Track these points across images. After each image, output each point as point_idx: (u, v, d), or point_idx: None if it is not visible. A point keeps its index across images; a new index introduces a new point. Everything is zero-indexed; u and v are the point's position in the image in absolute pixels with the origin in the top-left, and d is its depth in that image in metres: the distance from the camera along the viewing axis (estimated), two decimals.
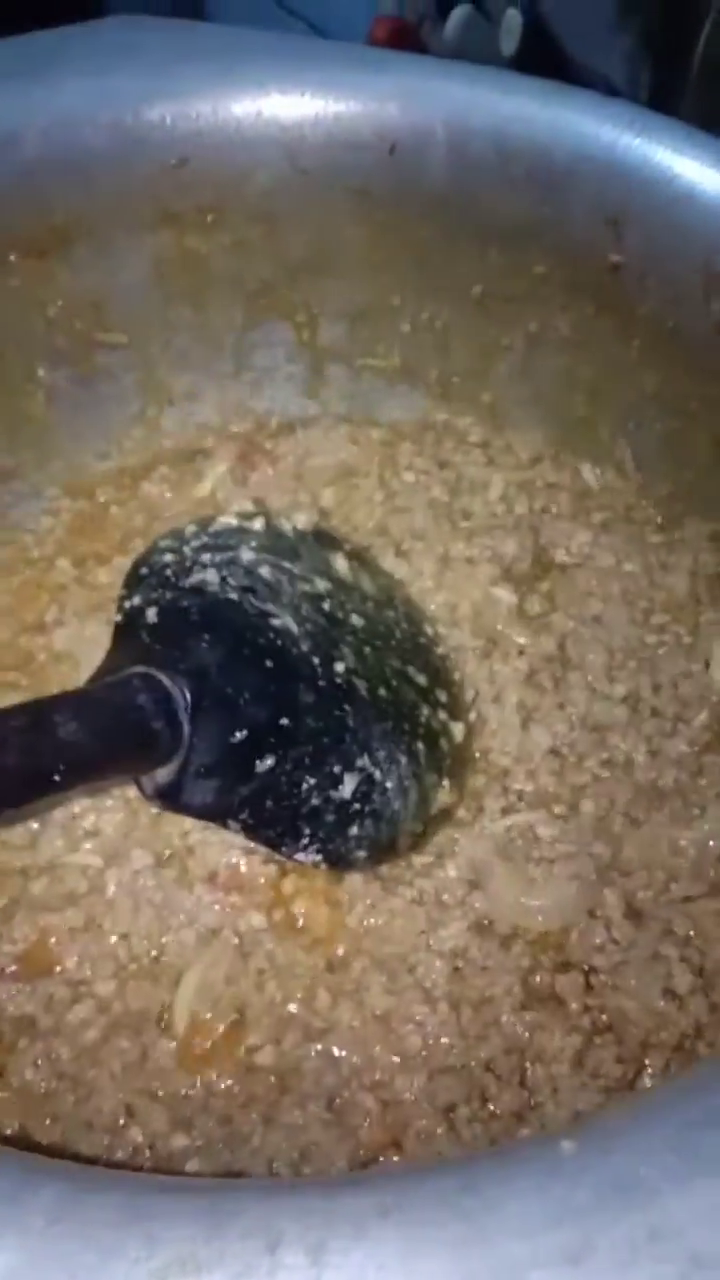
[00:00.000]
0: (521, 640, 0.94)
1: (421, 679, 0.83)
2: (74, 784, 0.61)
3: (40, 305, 0.98)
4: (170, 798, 0.70)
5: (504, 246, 0.96)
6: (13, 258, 0.94)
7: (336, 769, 0.74)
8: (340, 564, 0.85)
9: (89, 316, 1.00)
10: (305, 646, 0.76)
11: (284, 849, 0.74)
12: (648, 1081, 0.75)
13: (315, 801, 0.73)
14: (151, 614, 0.74)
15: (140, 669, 0.68)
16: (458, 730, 0.83)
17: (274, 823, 0.73)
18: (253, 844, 0.78)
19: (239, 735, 0.70)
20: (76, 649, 0.92)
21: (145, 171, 0.94)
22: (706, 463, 0.95)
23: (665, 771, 0.88)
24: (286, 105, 0.94)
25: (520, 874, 0.82)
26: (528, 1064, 0.74)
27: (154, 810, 0.82)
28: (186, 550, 0.78)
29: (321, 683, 0.75)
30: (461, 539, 0.98)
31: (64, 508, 1.05)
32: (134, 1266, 0.39)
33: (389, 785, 0.76)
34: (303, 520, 0.87)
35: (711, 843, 0.84)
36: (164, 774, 0.69)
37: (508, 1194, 0.40)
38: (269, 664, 0.73)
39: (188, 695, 0.68)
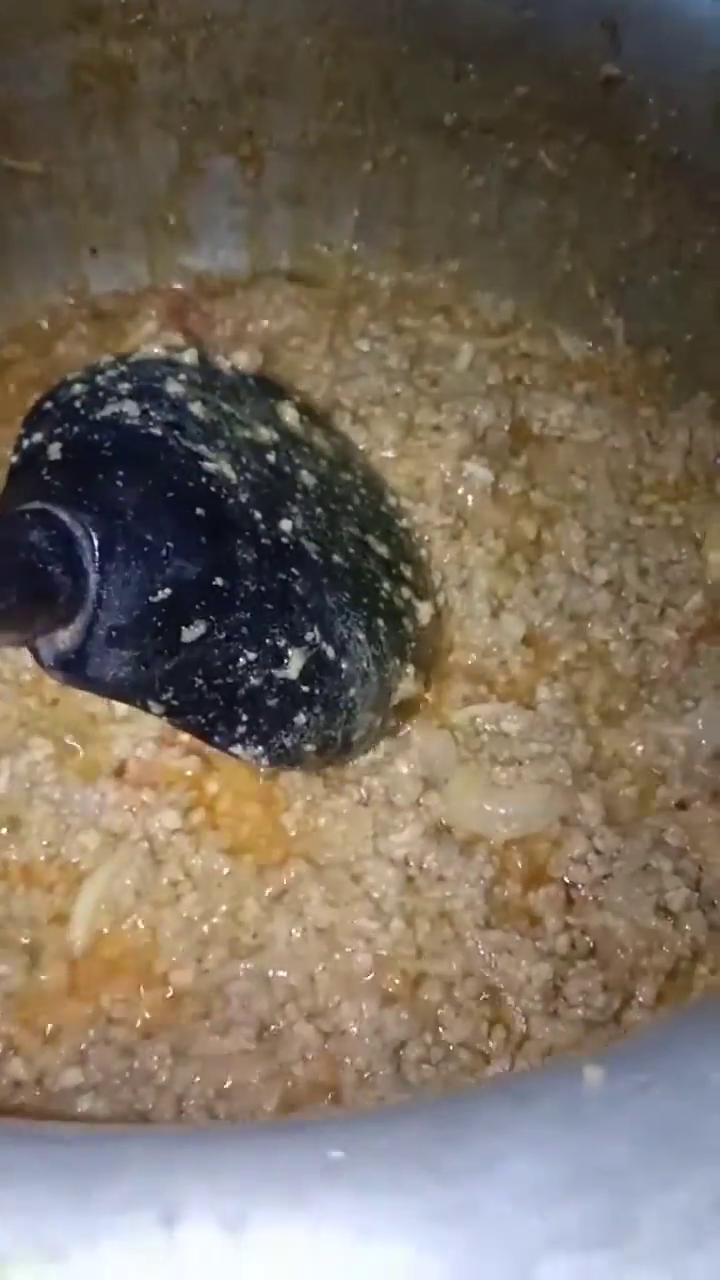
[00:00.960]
0: (495, 519, 0.82)
1: (383, 550, 0.71)
2: None
3: None
4: (74, 668, 0.57)
5: (482, 63, 0.83)
6: None
7: (281, 643, 0.61)
8: (289, 413, 0.72)
9: None
10: (244, 497, 0.63)
11: (217, 739, 0.62)
12: (636, 1014, 0.65)
13: (255, 681, 0.61)
14: (54, 450, 0.60)
15: (35, 505, 0.55)
16: (424, 610, 0.71)
17: (205, 706, 0.60)
18: (174, 732, 0.67)
19: (161, 593, 0.57)
20: None
21: None
22: (709, 323, 0.84)
23: (652, 661, 0.78)
24: None
25: (482, 775, 0.71)
26: (493, 991, 0.64)
27: (51, 694, 0.71)
28: (100, 380, 0.65)
29: (264, 540, 0.62)
30: (429, 405, 0.85)
31: None
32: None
33: (344, 667, 0.64)
34: (244, 360, 0.73)
35: (704, 741, 0.74)
36: (66, 637, 0.56)
37: (508, 1146, 0.28)
38: (199, 512, 0.60)
39: (95, 537, 0.55)
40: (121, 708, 0.70)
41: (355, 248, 0.97)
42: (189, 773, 0.69)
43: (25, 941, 0.64)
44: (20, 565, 0.51)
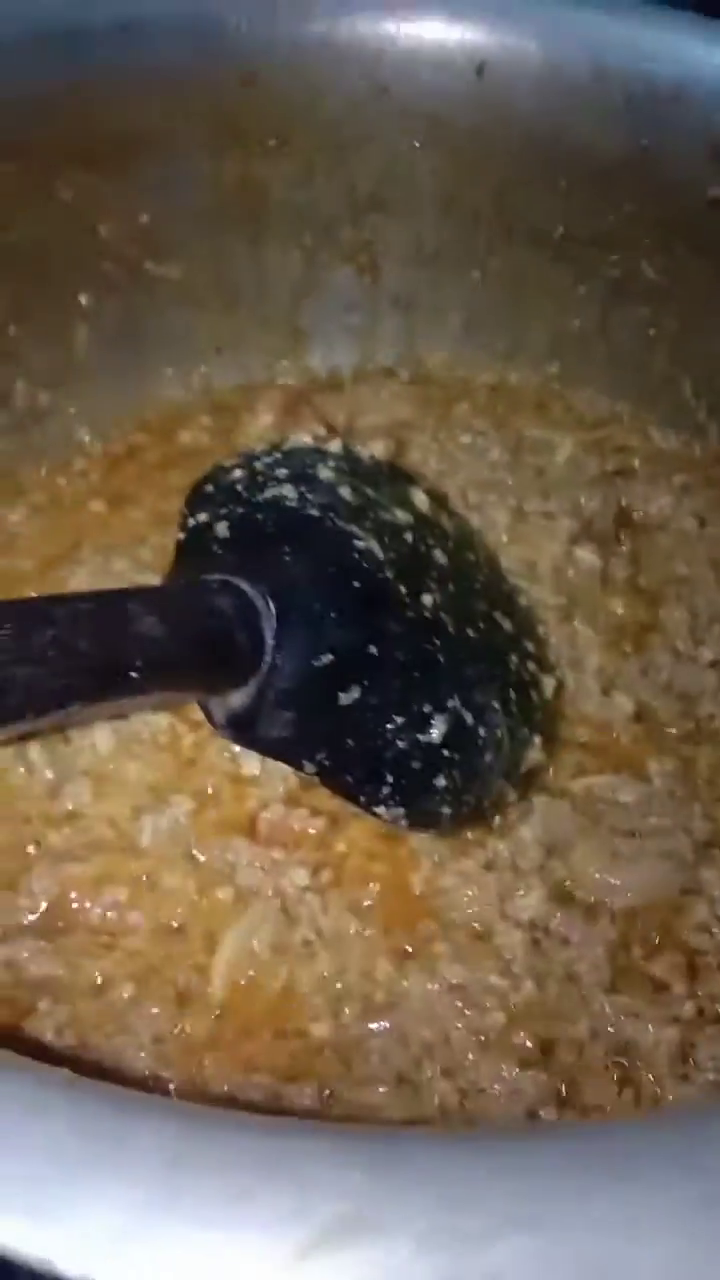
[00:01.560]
0: (603, 602, 0.86)
1: (508, 625, 0.75)
2: (152, 687, 0.52)
3: (90, 224, 0.90)
4: (244, 727, 0.61)
5: (592, 183, 0.90)
6: (66, 169, 0.86)
7: (426, 708, 0.65)
8: (420, 497, 0.77)
9: (141, 243, 0.93)
10: (390, 574, 0.67)
11: (363, 798, 0.65)
12: None
13: (401, 744, 0.64)
14: (222, 528, 0.66)
15: (217, 576, 0.60)
16: (549, 684, 0.75)
17: (354, 766, 0.64)
18: (294, 798, 0.70)
19: (324, 659, 0.61)
20: (101, 586, 0.82)
21: (214, 83, 0.87)
22: None
23: None
24: (367, 21, 0.88)
25: (604, 845, 0.73)
26: (623, 1053, 0.65)
27: (187, 755, 0.74)
28: (258, 466, 0.70)
29: (409, 613, 0.67)
30: (537, 494, 0.90)
31: (98, 451, 0.96)
32: (286, 1226, 0.29)
33: (481, 733, 0.67)
34: (379, 450, 0.79)
35: None
36: (239, 698, 0.60)
37: None
38: (356, 584, 0.64)
39: (272, 606, 0.59)
40: (252, 769, 0.73)
41: (460, 350, 1.03)
42: (312, 831, 0.71)
43: (171, 993, 0.66)
44: (214, 629, 0.55)
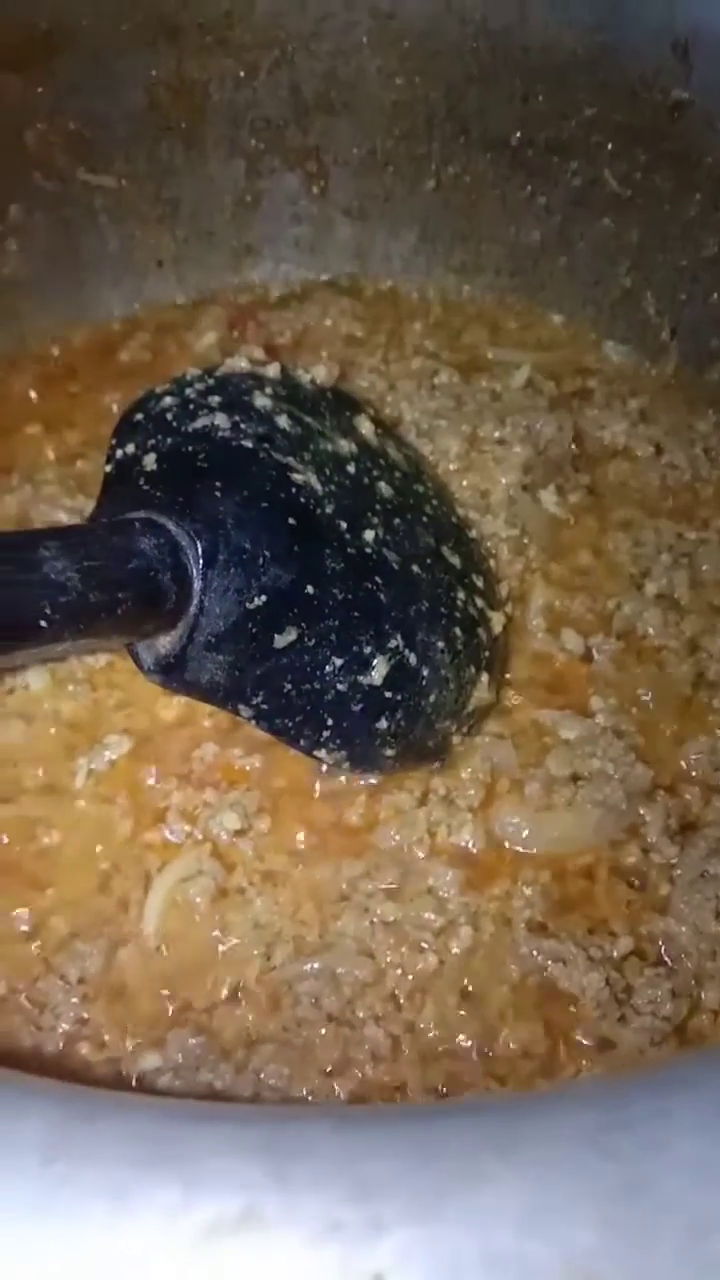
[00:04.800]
0: (555, 533, 0.84)
1: (456, 560, 0.72)
2: (64, 636, 0.50)
3: (15, 130, 0.84)
4: (172, 672, 0.58)
5: (550, 84, 0.85)
6: None
7: (367, 650, 0.63)
8: (365, 426, 0.74)
9: (72, 150, 0.87)
10: (330, 508, 0.64)
11: (302, 743, 0.63)
12: (704, 1021, 0.66)
13: (341, 687, 0.62)
14: (150, 461, 0.62)
15: (141, 514, 0.56)
16: (497, 620, 0.72)
17: (292, 710, 0.62)
18: (228, 735, 0.68)
19: (257, 600, 0.59)
20: (31, 511, 0.80)
21: None
22: None
23: (707, 670, 0.78)
24: None
25: (543, 789, 0.72)
26: (556, 997, 0.65)
27: (119, 695, 0.72)
28: (190, 393, 0.66)
29: (350, 550, 0.64)
30: (492, 419, 0.87)
31: (33, 373, 0.92)
32: (168, 1221, 0.28)
33: (425, 674, 0.65)
34: (321, 374, 0.75)
35: None
36: (167, 642, 0.57)
37: (674, 1130, 0.30)
38: (291, 521, 0.61)
39: (199, 546, 0.56)
40: (181, 711, 0.71)
41: (413, 265, 0.99)
42: (248, 769, 0.70)
43: (101, 933, 0.65)
44: (135, 572, 0.52)
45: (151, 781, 0.69)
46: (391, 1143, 0.30)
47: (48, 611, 0.47)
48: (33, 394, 0.90)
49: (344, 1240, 0.27)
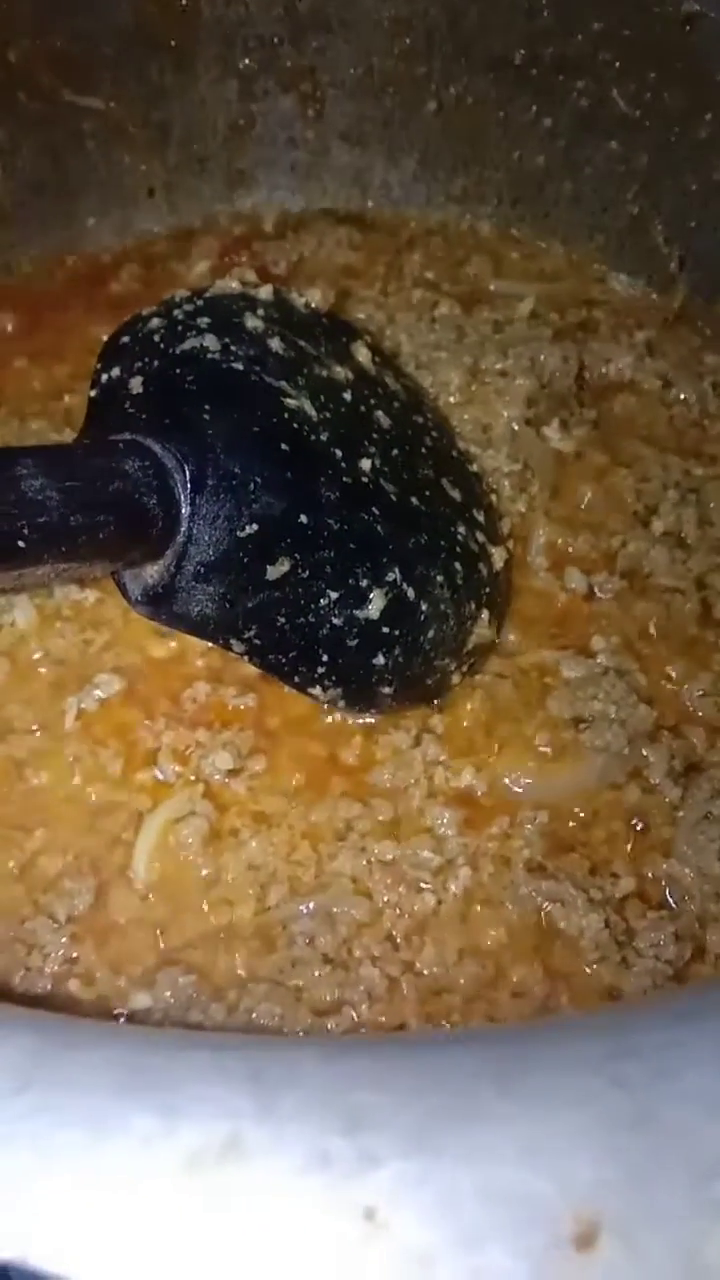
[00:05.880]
0: (559, 467, 0.81)
1: (456, 494, 0.70)
2: (43, 559, 0.47)
3: (0, 47, 0.80)
4: (161, 603, 0.56)
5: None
6: None
7: (363, 583, 0.61)
8: (362, 353, 0.71)
9: (57, 69, 0.83)
10: (324, 435, 0.62)
11: (297, 679, 0.61)
12: (707, 967, 0.65)
13: (336, 621, 0.60)
14: (136, 383, 0.60)
15: (126, 435, 0.54)
16: (497, 555, 0.70)
17: (286, 645, 0.60)
18: (221, 674, 0.67)
19: (248, 529, 0.56)
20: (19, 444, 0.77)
21: None
22: None
23: (714, 607, 0.76)
24: None
25: (542, 734, 0.70)
26: (556, 938, 0.63)
27: (109, 633, 0.70)
28: (178, 315, 0.63)
29: (346, 479, 0.62)
30: (494, 351, 0.84)
31: (20, 304, 0.89)
32: (145, 1148, 0.26)
33: (423, 609, 0.63)
34: (316, 298, 0.72)
35: None
36: (155, 571, 0.55)
37: (683, 1060, 0.28)
38: (284, 447, 0.59)
39: (187, 470, 0.54)
40: (173, 649, 0.69)
41: (413, 192, 0.95)
42: (242, 708, 0.68)
43: (91, 873, 0.64)
44: (117, 494, 0.50)
45: (143, 721, 0.67)
46: (384, 1073, 0.28)
47: (25, 531, 0.45)
48: (20, 327, 0.87)
49: (333, 1172, 0.26)
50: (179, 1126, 0.27)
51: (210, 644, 0.64)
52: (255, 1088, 0.27)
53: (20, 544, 0.45)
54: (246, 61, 0.88)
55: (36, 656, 0.69)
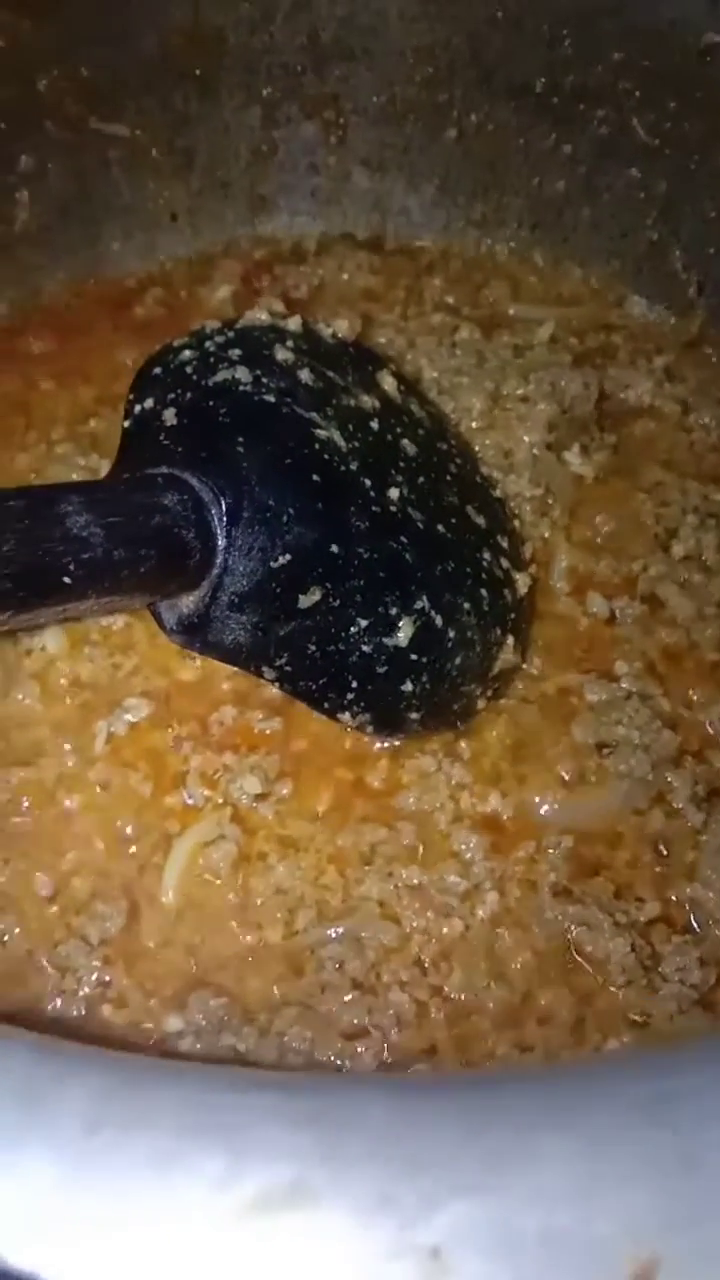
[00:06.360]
0: (580, 493, 0.82)
1: (481, 520, 0.71)
2: (88, 594, 0.48)
3: (29, 76, 0.81)
4: (195, 632, 0.57)
5: (578, 28, 0.82)
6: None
7: (392, 611, 0.61)
8: (388, 381, 0.72)
9: (84, 98, 0.84)
10: (354, 465, 0.63)
11: (326, 705, 0.62)
12: None
13: (366, 648, 0.61)
14: (170, 416, 0.61)
15: (163, 469, 0.55)
16: (522, 582, 0.71)
17: (316, 672, 0.61)
18: (247, 697, 0.67)
19: (281, 559, 0.57)
20: (45, 469, 0.78)
21: None
22: None
23: None
24: None
25: (566, 760, 0.70)
26: (585, 961, 0.64)
27: (135, 659, 0.70)
28: (209, 346, 0.64)
29: (375, 508, 0.62)
30: (515, 376, 0.84)
31: (46, 328, 0.90)
32: (214, 1190, 0.27)
33: (451, 635, 0.64)
34: (343, 328, 0.73)
35: None
36: (190, 601, 0.56)
37: None
38: (315, 478, 0.60)
39: (223, 503, 0.55)
40: (200, 673, 0.70)
41: (433, 217, 0.96)
42: (269, 732, 0.68)
43: (122, 896, 0.64)
44: (159, 528, 0.51)
45: (171, 745, 0.68)
46: (442, 1115, 0.29)
47: (71, 568, 0.46)
48: (46, 349, 0.88)
49: (397, 1215, 0.26)
50: (246, 1169, 0.27)
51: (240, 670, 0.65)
52: (319, 1130, 0.28)
53: (66, 580, 0.46)
54: (270, 89, 0.89)
55: (65, 681, 0.70)
